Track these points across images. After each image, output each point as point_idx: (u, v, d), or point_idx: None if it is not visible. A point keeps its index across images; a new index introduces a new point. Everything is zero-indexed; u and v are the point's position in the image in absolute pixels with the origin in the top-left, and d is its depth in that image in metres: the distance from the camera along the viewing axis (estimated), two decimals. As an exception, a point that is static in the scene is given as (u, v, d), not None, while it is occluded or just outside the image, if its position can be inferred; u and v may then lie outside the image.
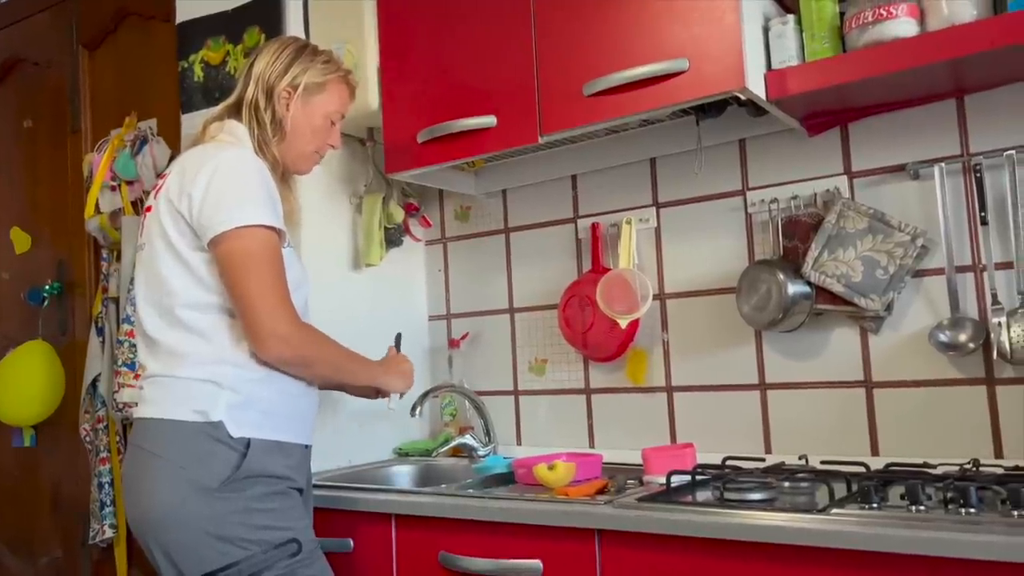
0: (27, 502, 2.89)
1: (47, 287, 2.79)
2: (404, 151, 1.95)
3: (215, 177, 1.46)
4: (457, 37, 1.88)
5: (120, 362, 2.31)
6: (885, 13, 1.49)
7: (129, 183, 2.50)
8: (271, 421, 1.49)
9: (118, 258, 2.48)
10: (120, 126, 2.58)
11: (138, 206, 2.48)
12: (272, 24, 2.08)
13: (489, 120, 1.81)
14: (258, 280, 1.44)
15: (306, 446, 1.59)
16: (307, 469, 1.60)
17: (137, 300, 1.55)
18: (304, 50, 1.66)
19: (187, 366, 1.46)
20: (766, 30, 1.63)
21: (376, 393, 1.78)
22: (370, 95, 2.00)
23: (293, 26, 2.07)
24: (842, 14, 1.58)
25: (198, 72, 2.22)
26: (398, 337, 1.93)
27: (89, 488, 2.50)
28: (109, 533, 2.44)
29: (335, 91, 1.68)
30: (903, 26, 1.49)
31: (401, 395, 1.79)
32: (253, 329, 1.45)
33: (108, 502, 2.45)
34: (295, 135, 1.64)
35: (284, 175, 1.67)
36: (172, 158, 2.41)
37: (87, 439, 2.50)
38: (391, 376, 1.75)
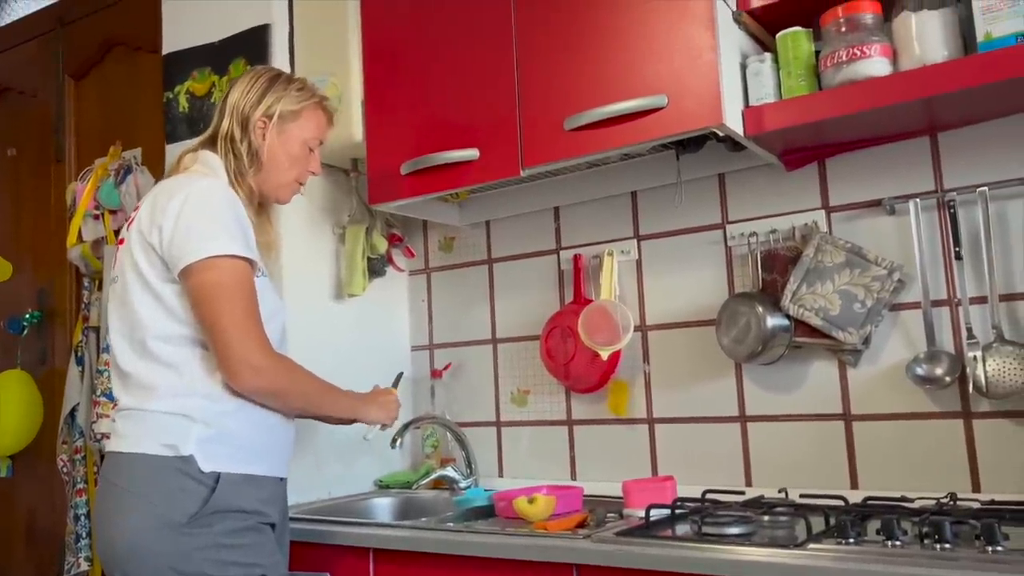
0: (2, 533, 2.84)
1: (27, 316, 2.78)
2: (388, 182, 1.96)
3: (185, 208, 1.45)
4: (441, 71, 1.90)
5: (99, 392, 2.29)
6: (859, 52, 1.52)
7: (112, 212, 2.50)
8: (243, 454, 1.47)
9: (99, 287, 2.48)
10: (105, 155, 2.58)
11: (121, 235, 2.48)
12: (258, 56, 2.10)
13: (472, 153, 1.83)
14: (230, 310, 1.43)
15: (281, 479, 1.57)
16: (281, 502, 1.58)
17: (110, 333, 1.54)
18: (278, 79, 1.66)
19: (158, 399, 1.45)
20: (743, 67, 1.66)
21: (353, 421, 1.77)
22: (354, 127, 2.01)
23: (279, 58, 2.10)
24: (817, 52, 1.61)
25: (183, 103, 2.23)
26: (398, 376, 1.93)
27: (65, 520, 2.47)
28: (84, 566, 2.40)
29: (311, 117, 1.67)
30: (876, 65, 1.52)
31: (383, 427, 1.78)
32: (225, 359, 1.44)
33: (84, 534, 2.42)
34: (272, 165, 1.63)
35: (262, 206, 1.67)
36: (156, 187, 2.42)
37: (64, 470, 2.48)
38: (370, 407, 1.73)
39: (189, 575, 1.38)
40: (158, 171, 2.38)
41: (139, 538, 1.38)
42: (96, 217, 2.52)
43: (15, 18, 3.24)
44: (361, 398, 1.74)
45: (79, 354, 2.49)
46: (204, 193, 1.48)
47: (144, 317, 1.47)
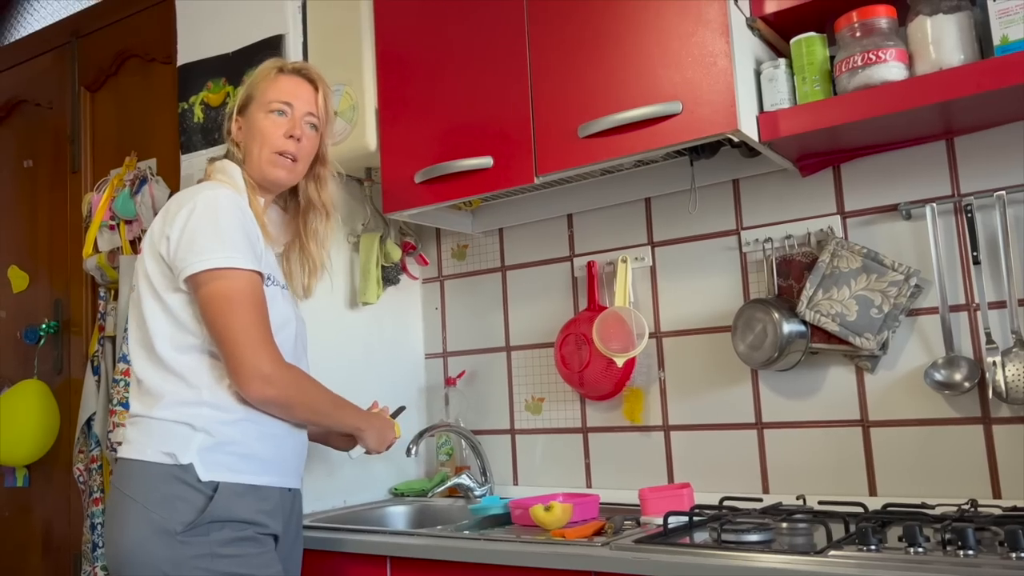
0: (18, 543, 2.86)
1: (43, 326, 2.79)
2: (402, 191, 1.97)
3: (191, 218, 1.46)
4: (454, 80, 1.91)
5: (116, 401, 2.30)
6: (874, 57, 1.52)
7: (128, 222, 2.52)
8: (247, 464, 1.47)
9: (115, 297, 2.49)
10: (120, 166, 2.60)
11: (136, 245, 2.50)
12: (272, 66, 2.11)
13: (486, 161, 1.83)
14: (239, 320, 1.43)
15: (289, 489, 1.56)
16: (288, 513, 1.56)
17: (128, 341, 1.56)
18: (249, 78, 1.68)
19: (163, 407, 1.45)
20: (758, 73, 1.66)
21: (347, 443, 1.74)
22: (368, 136, 2.02)
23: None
24: (832, 58, 1.61)
25: (198, 113, 2.25)
26: (400, 409, 1.89)
27: (82, 529, 2.48)
28: (100, 575, 2.41)
29: (266, 88, 1.63)
30: (892, 70, 1.51)
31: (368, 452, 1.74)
32: (236, 369, 1.44)
33: (100, 543, 2.42)
34: (247, 151, 1.61)
35: (302, 218, 1.70)
36: (171, 198, 2.44)
37: (80, 479, 2.48)
38: (370, 431, 1.69)
39: None
40: (173, 181, 2.40)
41: (136, 544, 1.39)
42: (112, 227, 2.54)
43: (30, 31, 3.28)
44: (365, 418, 1.70)
45: (95, 364, 2.50)
46: (210, 203, 1.48)
47: (153, 325, 1.48)
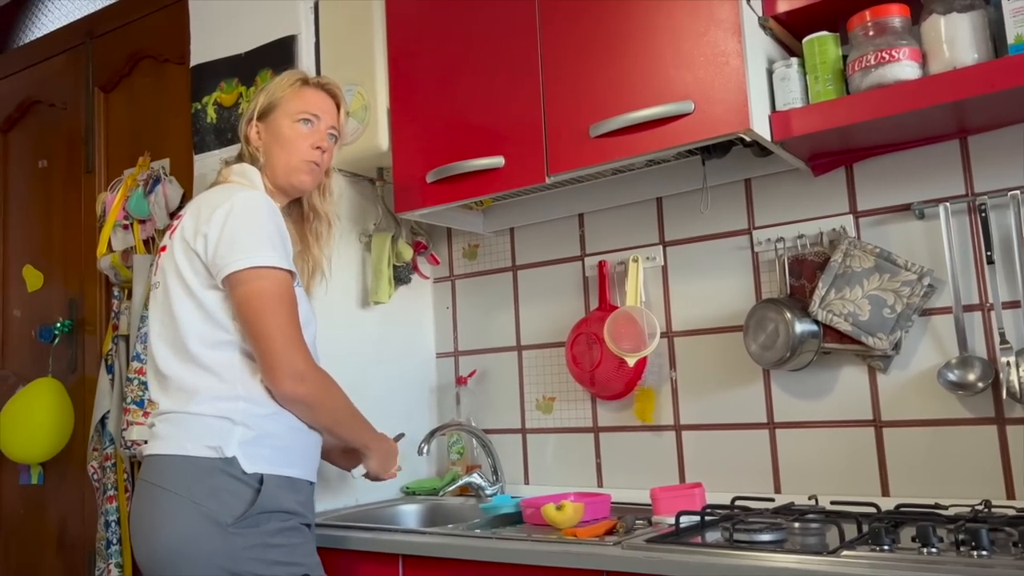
0: (33, 540, 2.88)
1: (58, 325, 2.81)
2: (413, 191, 1.97)
3: (230, 217, 1.49)
4: (466, 79, 1.91)
5: (129, 399, 2.32)
6: (887, 56, 1.51)
7: (141, 222, 2.53)
8: (282, 457, 1.50)
9: (129, 296, 2.50)
10: (134, 166, 2.62)
11: (150, 244, 2.52)
12: (284, 66, 2.11)
13: (497, 161, 1.83)
14: (275, 319, 1.47)
15: (311, 483, 1.59)
16: (312, 506, 1.60)
17: (150, 337, 1.57)
18: (267, 86, 1.70)
19: (200, 402, 1.47)
20: (770, 73, 1.65)
21: (347, 461, 1.78)
22: (380, 136, 2.03)
23: (305, 69, 2.11)
24: (845, 57, 1.61)
25: (211, 114, 2.26)
26: (399, 436, 1.89)
27: (96, 527, 2.50)
28: (115, 572, 2.42)
29: (291, 97, 1.67)
30: (905, 69, 1.51)
31: (367, 475, 1.76)
32: (270, 366, 1.47)
33: (115, 541, 2.44)
34: (269, 157, 1.66)
35: (306, 224, 1.72)
36: (184, 198, 2.46)
37: (95, 477, 2.50)
38: (377, 452, 1.72)
39: (238, 574, 1.40)
40: (186, 181, 2.41)
41: (185, 538, 1.40)
42: (125, 227, 2.55)
43: (45, 32, 3.30)
44: (376, 438, 1.72)
45: (109, 362, 2.52)
46: (248, 203, 1.52)
47: (185, 322, 1.50)
